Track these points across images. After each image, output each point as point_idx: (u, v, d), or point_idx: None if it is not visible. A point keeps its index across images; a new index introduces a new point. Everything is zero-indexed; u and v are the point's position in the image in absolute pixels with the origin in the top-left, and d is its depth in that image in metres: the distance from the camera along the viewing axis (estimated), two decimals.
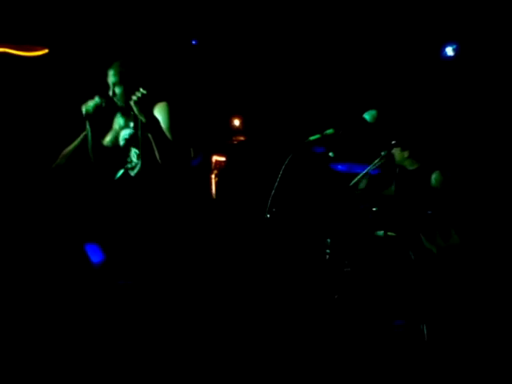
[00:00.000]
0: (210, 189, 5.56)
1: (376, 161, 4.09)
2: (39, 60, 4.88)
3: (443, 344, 3.71)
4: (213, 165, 5.71)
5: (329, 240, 4.11)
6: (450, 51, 5.23)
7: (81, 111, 3.48)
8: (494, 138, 4.98)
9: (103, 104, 3.44)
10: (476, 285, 4.01)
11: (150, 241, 3.67)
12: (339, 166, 4.77)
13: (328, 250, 4.00)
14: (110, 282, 3.92)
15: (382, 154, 4.12)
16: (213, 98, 5.67)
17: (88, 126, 3.51)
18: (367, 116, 3.11)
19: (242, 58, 5.51)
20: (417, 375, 3.48)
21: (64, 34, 5.00)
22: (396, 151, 4.21)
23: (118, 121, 3.76)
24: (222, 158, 5.84)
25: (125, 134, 3.66)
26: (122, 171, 4.08)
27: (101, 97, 3.45)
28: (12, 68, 4.75)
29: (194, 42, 5.50)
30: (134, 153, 3.59)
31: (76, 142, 3.69)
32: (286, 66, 5.44)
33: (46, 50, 4.89)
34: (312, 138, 3.04)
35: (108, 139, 3.76)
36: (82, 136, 3.64)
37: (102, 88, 4.83)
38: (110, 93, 3.50)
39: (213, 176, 5.63)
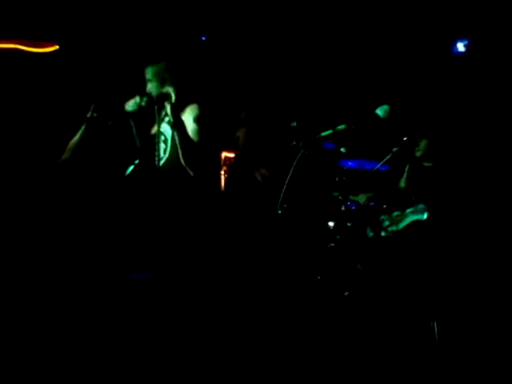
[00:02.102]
0: (220, 185, 5.55)
1: (387, 157, 4.07)
2: (49, 56, 4.89)
3: (453, 341, 3.69)
4: (222, 161, 5.69)
5: (338, 236, 4.10)
6: (461, 47, 5.20)
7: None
8: (507, 135, 4.94)
9: (143, 102, 3.61)
10: (485, 283, 3.99)
11: (161, 236, 3.69)
12: (349, 163, 4.75)
13: (337, 245, 3.99)
14: (122, 276, 3.94)
15: (394, 150, 4.10)
16: (222, 94, 5.66)
17: (132, 123, 3.74)
18: (380, 111, 3.09)
19: (253, 53, 5.49)
20: (427, 372, 3.47)
21: (74, 31, 5.01)
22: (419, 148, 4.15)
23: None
24: (232, 155, 5.82)
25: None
26: (131, 167, 4.10)
27: (141, 95, 3.64)
28: (22, 64, 4.76)
29: (203, 38, 5.50)
30: (161, 147, 3.72)
31: (78, 136, 3.77)
32: (298, 61, 5.42)
33: (57, 47, 4.90)
34: (324, 133, 3.02)
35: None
36: (82, 129, 3.72)
37: (113, 84, 4.85)
38: (148, 88, 3.70)
39: (222, 172, 5.62)
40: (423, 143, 4.07)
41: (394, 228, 2.14)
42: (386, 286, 3.98)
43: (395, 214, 2.17)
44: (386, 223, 2.11)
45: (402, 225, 2.18)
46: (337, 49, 5.39)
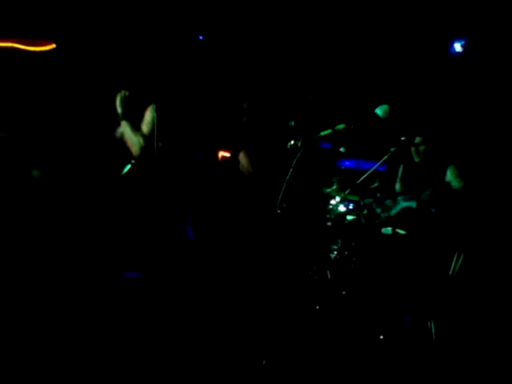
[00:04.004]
0: (216, 184, 5.54)
1: (385, 157, 4.07)
2: (47, 55, 4.87)
3: (450, 341, 3.70)
4: (219, 160, 5.69)
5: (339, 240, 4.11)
6: (458, 47, 5.21)
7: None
8: (504, 134, 4.96)
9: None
10: (483, 283, 4.00)
11: (157, 235, 3.69)
12: (347, 162, 4.76)
13: (336, 247, 3.99)
14: (116, 275, 3.93)
15: (392, 150, 4.10)
16: (219, 94, 5.66)
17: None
18: (379, 111, 3.09)
19: (251, 52, 5.49)
20: (424, 373, 3.47)
21: (71, 29, 4.99)
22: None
23: None
24: (228, 154, 5.82)
25: None
26: (129, 166, 4.10)
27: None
28: (19, 63, 4.74)
29: (200, 38, 5.49)
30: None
31: None
32: (295, 61, 5.42)
33: (54, 45, 4.88)
34: (323, 132, 3.02)
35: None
36: None
37: (110, 83, 4.82)
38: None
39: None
40: (422, 148, 4.10)
41: (385, 214, 2.19)
42: (383, 285, 3.99)
43: (388, 201, 2.23)
44: (378, 210, 2.16)
45: (394, 211, 2.24)
46: (336, 48, 5.40)
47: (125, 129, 3.81)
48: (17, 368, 3.16)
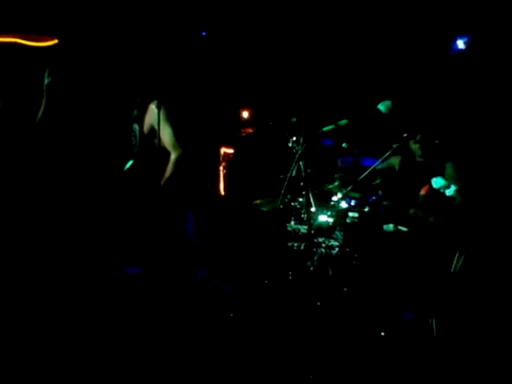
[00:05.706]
0: (219, 181, 5.56)
1: (387, 153, 4.06)
2: (48, 50, 4.87)
3: (452, 339, 3.70)
4: (221, 157, 5.71)
5: (338, 233, 4.09)
6: (461, 44, 5.20)
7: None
8: (506, 132, 4.95)
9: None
10: (485, 281, 4.00)
11: (158, 231, 3.69)
12: (348, 159, 4.75)
13: (337, 243, 3.98)
14: (118, 271, 3.94)
15: (394, 146, 4.08)
16: (222, 90, 5.66)
17: (136, 127, 4.07)
18: (382, 107, 3.09)
19: (254, 49, 5.49)
20: (425, 370, 3.47)
21: (73, 25, 4.99)
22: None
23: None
24: (231, 150, 5.84)
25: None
26: (130, 162, 4.11)
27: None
28: (21, 58, 4.74)
29: (203, 34, 5.49)
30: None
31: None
32: (298, 57, 5.42)
33: (56, 41, 4.88)
34: (326, 128, 3.02)
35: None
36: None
37: (111, 78, 4.84)
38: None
39: (221, 168, 5.63)
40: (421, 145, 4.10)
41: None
42: (385, 282, 3.99)
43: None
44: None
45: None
46: (339, 44, 5.39)
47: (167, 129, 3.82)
48: (17, 365, 3.17)
